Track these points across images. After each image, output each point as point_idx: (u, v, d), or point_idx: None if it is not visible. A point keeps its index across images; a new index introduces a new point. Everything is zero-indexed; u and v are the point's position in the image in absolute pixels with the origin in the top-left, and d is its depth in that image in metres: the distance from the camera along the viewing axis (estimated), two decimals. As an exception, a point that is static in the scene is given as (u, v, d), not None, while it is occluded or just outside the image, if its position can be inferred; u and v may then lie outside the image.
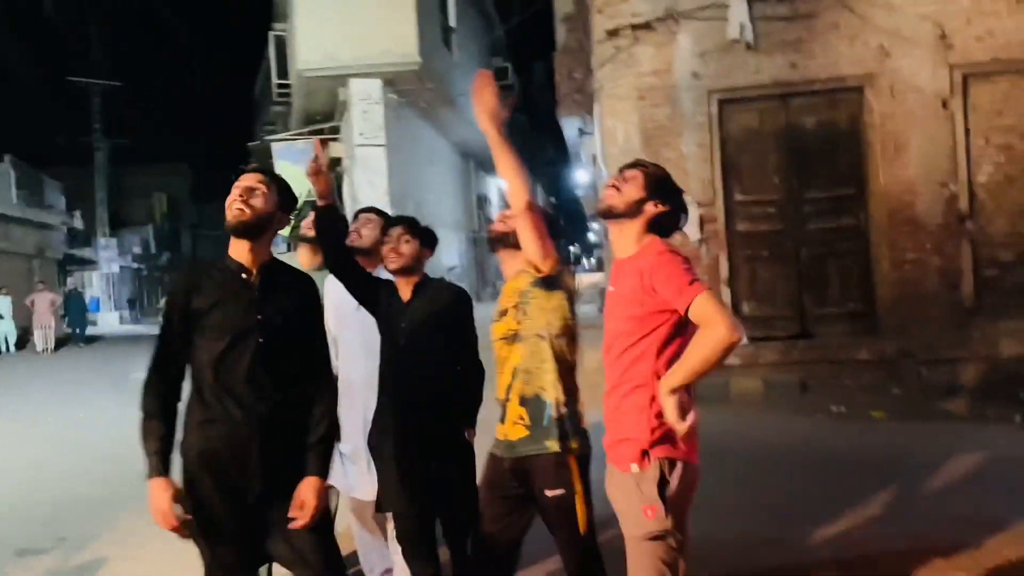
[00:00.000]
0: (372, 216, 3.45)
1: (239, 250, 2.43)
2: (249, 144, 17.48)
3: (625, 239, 2.47)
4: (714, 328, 2.15)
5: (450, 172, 19.12)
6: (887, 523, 4.25)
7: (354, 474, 3.36)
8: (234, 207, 2.39)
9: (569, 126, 14.56)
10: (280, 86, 17.12)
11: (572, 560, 2.67)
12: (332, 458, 2.49)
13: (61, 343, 21.58)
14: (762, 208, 7.97)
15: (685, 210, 2.54)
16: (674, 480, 2.30)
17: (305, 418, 2.43)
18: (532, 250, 2.56)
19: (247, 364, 2.35)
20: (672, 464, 2.30)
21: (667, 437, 2.30)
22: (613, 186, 2.50)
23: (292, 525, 2.31)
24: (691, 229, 7.87)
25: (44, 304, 20.78)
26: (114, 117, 37.31)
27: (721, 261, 7.91)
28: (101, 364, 16.35)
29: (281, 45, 16.42)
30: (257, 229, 2.41)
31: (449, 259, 17.16)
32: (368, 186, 12.99)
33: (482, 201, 23.64)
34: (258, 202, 2.40)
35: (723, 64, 7.79)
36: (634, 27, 7.97)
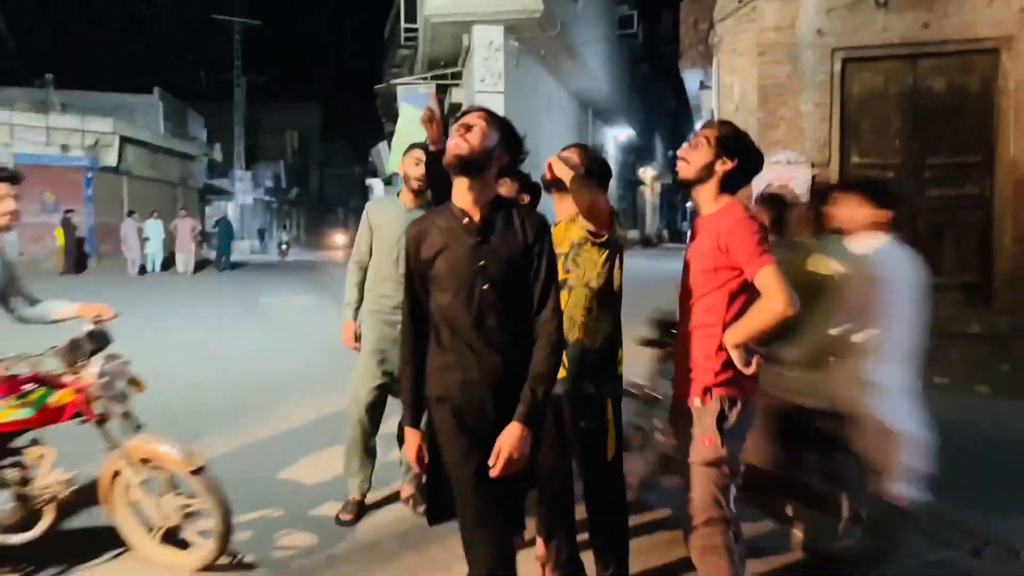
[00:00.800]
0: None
1: (460, 191, 2.36)
2: (375, 87, 18.10)
3: (704, 199, 2.69)
4: (772, 300, 2.40)
5: (568, 121, 19.21)
6: (961, 494, 4.30)
7: None
8: (451, 143, 2.32)
9: (691, 78, 14.36)
10: (407, 30, 17.60)
11: (598, 484, 2.96)
12: (543, 405, 2.33)
13: (200, 266, 23.38)
14: (880, 172, 7.76)
15: (758, 162, 2.72)
16: (732, 416, 2.55)
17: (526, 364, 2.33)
18: (593, 222, 2.81)
19: (475, 312, 2.29)
20: (732, 402, 2.55)
21: (729, 380, 2.55)
22: (682, 158, 2.70)
23: (491, 473, 2.25)
24: (802, 190, 7.81)
25: (186, 230, 22.55)
26: (253, 56, 39.10)
27: (832, 224, 7.82)
28: (235, 288, 17.65)
29: (409, -11, 16.87)
30: (474, 166, 2.31)
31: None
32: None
33: (599, 152, 23.61)
34: (475, 138, 2.31)
35: (850, 21, 7.57)
36: (760, -19, 7.84)
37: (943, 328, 7.48)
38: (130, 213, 22.86)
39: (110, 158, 24.19)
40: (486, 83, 13.43)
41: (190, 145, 32.89)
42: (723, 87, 8.32)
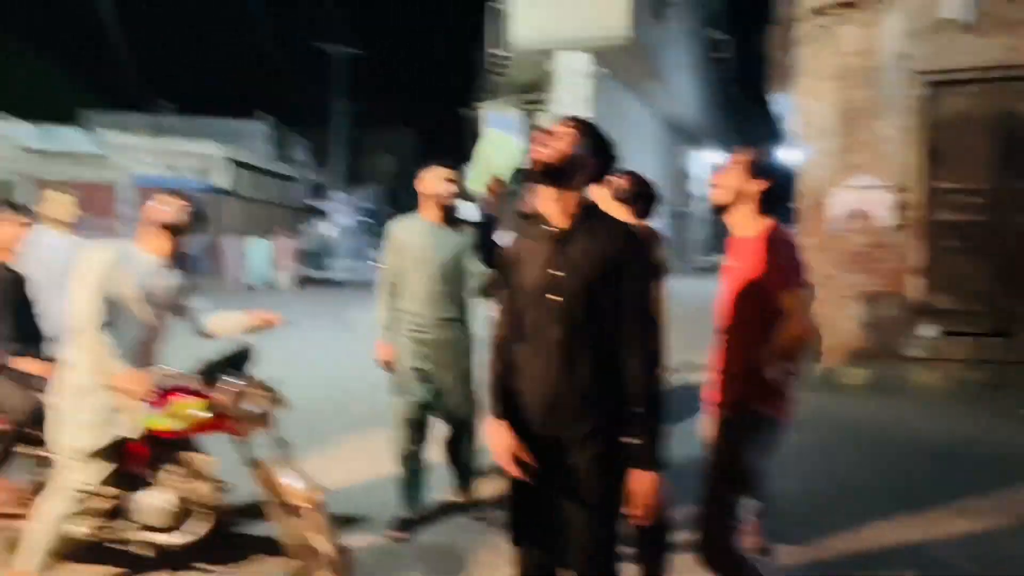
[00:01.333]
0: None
1: (545, 199, 2.27)
2: (462, 111, 18.62)
3: (741, 221, 2.81)
4: (794, 325, 2.49)
5: (654, 145, 19.25)
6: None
7: None
8: (536, 149, 2.22)
9: (781, 102, 14.20)
10: (498, 57, 18.05)
11: None
12: (659, 443, 2.18)
13: (297, 282, 24.48)
14: (967, 197, 7.56)
15: (790, 179, 2.85)
16: (758, 430, 2.65)
17: (616, 388, 2.19)
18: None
19: (543, 322, 2.20)
20: (760, 417, 2.66)
21: (756, 393, 2.65)
22: (714, 184, 2.83)
23: (630, 521, 2.21)
24: (885, 214, 7.68)
25: (286, 248, 23.70)
26: (354, 82, 40.64)
27: (917, 250, 7.64)
28: (329, 303, 18.36)
29: (498, 17, 17.33)
30: (559, 173, 2.21)
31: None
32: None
33: (685, 175, 23.43)
34: (560, 144, 2.22)
35: (934, 45, 7.43)
36: (840, 5, 7.80)
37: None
38: (234, 231, 24.17)
39: (218, 180, 25.68)
40: (570, 108, 13.67)
41: (292, 167, 34.50)
42: (802, 111, 8.26)
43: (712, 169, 30.19)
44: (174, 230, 3.26)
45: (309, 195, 37.91)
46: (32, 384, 3.48)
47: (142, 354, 3.25)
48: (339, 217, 39.16)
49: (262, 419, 3.21)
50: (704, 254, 24.87)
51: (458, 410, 4.00)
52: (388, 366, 3.97)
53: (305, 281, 25.95)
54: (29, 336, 3.68)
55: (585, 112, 13.61)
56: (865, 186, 7.73)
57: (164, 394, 3.17)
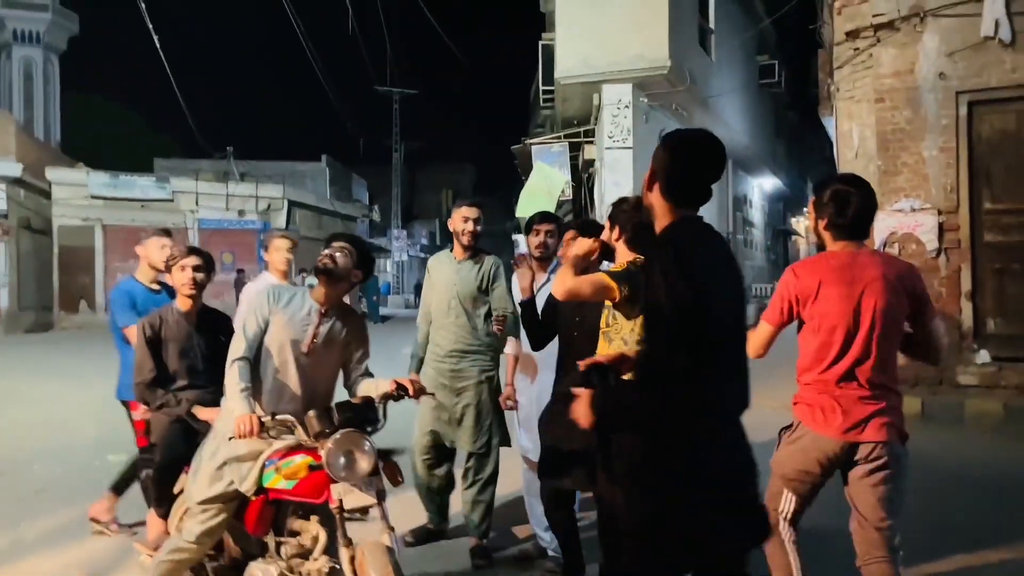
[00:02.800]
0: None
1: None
2: (512, 147, 18.86)
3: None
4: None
5: (704, 173, 19.06)
6: None
7: (527, 439, 3.93)
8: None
9: (831, 125, 13.99)
10: (546, 92, 18.28)
11: None
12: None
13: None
14: (1015, 218, 7.30)
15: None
16: (794, 432, 2.85)
17: None
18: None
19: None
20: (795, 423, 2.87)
21: (796, 404, 2.89)
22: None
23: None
24: (928, 238, 7.47)
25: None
26: (412, 122, 41.63)
27: (964, 273, 7.39)
28: (382, 339, 18.70)
29: (547, 53, 17.54)
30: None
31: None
32: (614, 187, 13.56)
33: (740, 202, 23.11)
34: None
35: (974, 63, 7.25)
36: (875, 27, 7.70)
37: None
38: (300, 271, 24.87)
39: (280, 221, 26.48)
40: (615, 140, 13.72)
41: (352, 207, 35.36)
42: (841, 134, 8.15)
43: (774, 195, 29.48)
44: (332, 276, 2.99)
45: (368, 233, 38.74)
46: (202, 430, 3.38)
47: (291, 403, 2.94)
48: (396, 253, 39.93)
49: (368, 490, 2.72)
50: (762, 282, 24.42)
51: (471, 443, 4.02)
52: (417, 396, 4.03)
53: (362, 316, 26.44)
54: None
55: (628, 143, 13.64)
56: (908, 209, 7.54)
57: (286, 451, 2.83)
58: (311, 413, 2.73)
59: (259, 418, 2.73)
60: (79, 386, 9.93)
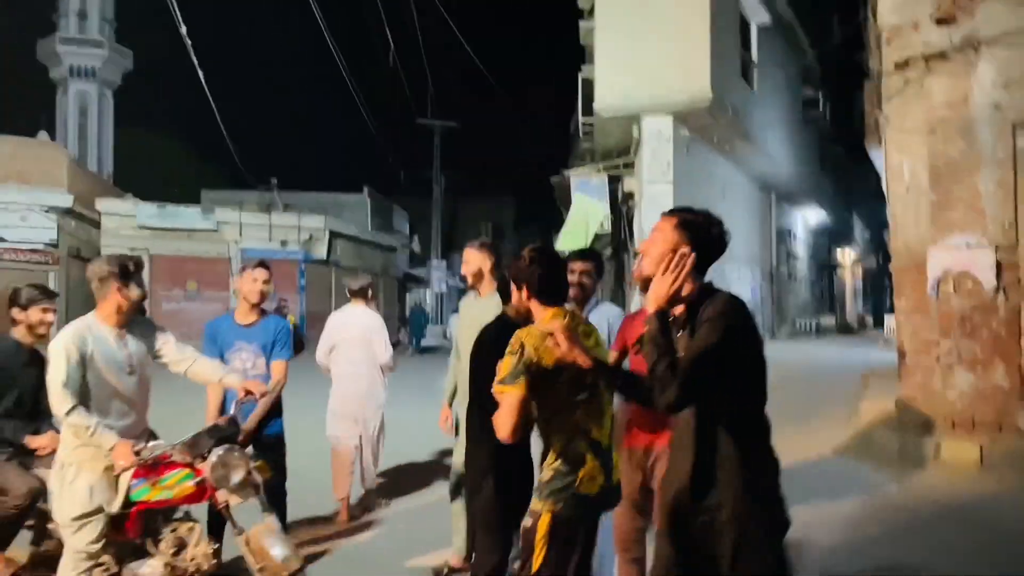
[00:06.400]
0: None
1: None
2: (551, 178, 18.80)
3: None
4: None
5: (746, 205, 18.79)
6: None
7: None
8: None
9: (879, 158, 13.64)
10: (585, 124, 18.24)
11: None
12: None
13: (394, 348, 24.97)
14: (1079, 254, 6.92)
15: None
16: None
17: None
18: None
19: None
20: None
21: None
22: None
23: None
24: (986, 276, 7.11)
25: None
26: (453, 154, 42.00)
27: (1023, 314, 7.01)
28: (418, 370, 18.57)
29: (587, 86, 17.53)
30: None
31: (739, 294, 16.80)
32: (655, 221, 13.36)
33: (783, 235, 22.69)
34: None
35: (1032, 93, 6.95)
36: (926, 58, 7.44)
37: None
38: (280, 303, 25.04)
39: (321, 251, 26.74)
40: (654, 172, 13.56)
41: (392, 238, 35.61)
42: (891, 168, 7.86)
43: (819, 229, 28.93)
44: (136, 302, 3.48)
45: (408, 263, 38.92)
46: (36, 464, 3.82)
47: (128, 425, 3.44)
48: (436, 284, 40.02)
49: (245, 488, 3.43)
50: (806, 316, 23.85)
51: None
52: (448, 430, 4.35)
53: (399, 345, 26.46)
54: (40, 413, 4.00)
55: (668, 176, 13.46)
56: (964, 246, 7.21)
57: (152, 466, 3.33)
58: (190, 439, 3.40)
59: (132, 446, 3.26)
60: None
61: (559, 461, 2.64)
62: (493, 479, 3.18)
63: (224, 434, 3.51)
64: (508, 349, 2.61)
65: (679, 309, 2.39)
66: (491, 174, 56.18)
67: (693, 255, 2.33)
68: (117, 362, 3.40)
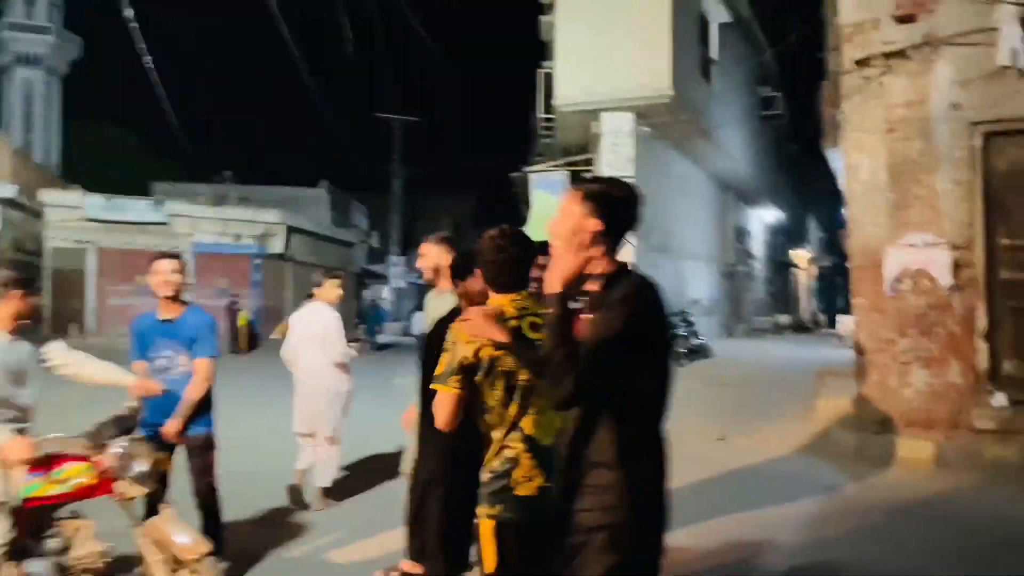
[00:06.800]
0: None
1: None
2: (511, 175, 18.63)
3: None
4: None
5: (705, 203, 18.86)
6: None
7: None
8: None
9: (835, 158, 13.75)
10: (545, 120, 18.08)
11: None
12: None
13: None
14: (1034, 254, 6.98)
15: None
16: None
17: None
18: None
19: None
20: None
21: None
22: None
23: None
24: (942, 274, 7.14)
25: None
26: (413, 149, 41.56)
27: (978, 312, 7.04)
28: (375, 368, 18.27)
29: (547, 81, 17.39)
30: None
31: (697, 292, 16.89)
32: (615, 217, 13.27)
33: (741, 234, 22.85)
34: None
35: (990, 93, 6.97)
36: (886, 56, 7.44)
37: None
38: (293, 296, 24.49)
39: (276, 246, 26.21)
40: (614, 168, 13.45)
41: (350, 233, 35.12)
42: (849, 167, 7.85)
43: (775, 228, 29.23)
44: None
45: (368, 260, 38.44)
46: None
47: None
48: (395, 280, 39.61)
49: (148, 480, 3.41)
50: (763, 314, 24.09)
51: None
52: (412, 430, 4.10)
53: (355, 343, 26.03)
54: None
55: (628, 171, 13.38)
56: (921, 244, 7.23)
57: (48, 460, 3.25)
58: (91, 430, 3.33)
59: (30, 440, 3.21)
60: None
61: (495, 461, 2.47)
62: (441, 488, 3.01)
63: (127, 425, 3.46)
64: (444, 345, 2.46)
65: (593, 286, 2.18)
66: (453, 170, 55.82)
67: (598, 225, 2.15)
68: (8, 369, 3.36)
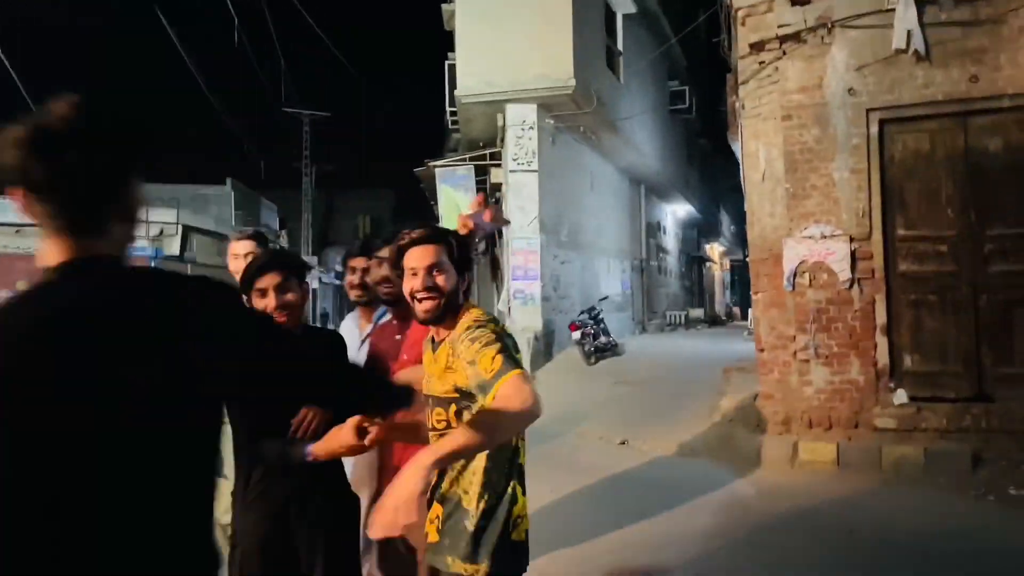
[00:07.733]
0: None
1: None
2: (415, 170, 17.95)
3: None
4: None
5: (616, 198, 18.56)
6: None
7: None
8: None
9: (739, 147, 13.60)
10: (453, 113, 17.46)
11: None
12: None
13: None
14: (931, 245, 6.77)
15: None
16: None
17: None
18: None
19: None
20: None
21: None
22: None
23: None
24: (841, 267, 6.86)
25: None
26: (325, 145, 40.31)
27: (878, 306, 6.80)
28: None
29: (453, 73, 16.77)
30: None
31: (608, 287, 16.57)
32: (519, 212, 12.79)
33: (653, 228, 22.73)
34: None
35: (885, 78, 6.73)
36: (780, 39, 7.13)
37: (1018, 426, 6.30)
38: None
39: (173, 247, 24.78)
40: (519, 162, 12.98)
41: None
42: (747, 156, 7.53)
43: (687, 222, 29.38)
44: None
45: (277, 259, 36.99)
46: None
47: None
48: (307, 280, 38.35)
49: None
50: (676, 308, 24.08)
51: None
52: None
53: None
54: None
55: (533, 165, 12.91)
56: (819, 236, 6.94)
57: None
58: None
59: None
60: None
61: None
62: None
63: None
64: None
65: None
66: (368, 166, 54.64)
67: None
68: None
